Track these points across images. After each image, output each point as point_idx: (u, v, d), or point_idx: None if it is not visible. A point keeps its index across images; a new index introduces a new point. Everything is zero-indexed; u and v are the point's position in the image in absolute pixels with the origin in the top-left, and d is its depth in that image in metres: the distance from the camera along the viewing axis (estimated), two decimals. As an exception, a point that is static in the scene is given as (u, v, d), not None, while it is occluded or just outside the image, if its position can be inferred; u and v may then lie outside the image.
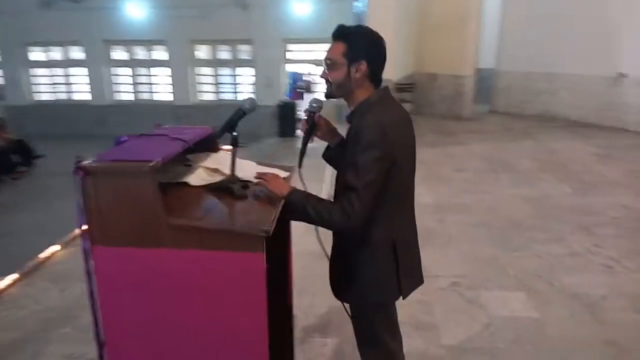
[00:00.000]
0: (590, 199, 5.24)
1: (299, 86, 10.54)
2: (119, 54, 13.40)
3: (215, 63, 13.41)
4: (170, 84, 13.35)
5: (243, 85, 13.41)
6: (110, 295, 1.59)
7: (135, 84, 13.54)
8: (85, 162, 1.48)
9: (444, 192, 5.55)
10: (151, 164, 1.47)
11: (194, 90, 13.45)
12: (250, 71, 13.08)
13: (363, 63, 1.69)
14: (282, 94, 12.47)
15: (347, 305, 1.91)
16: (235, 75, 13.42)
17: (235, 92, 13.47)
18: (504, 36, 10.92)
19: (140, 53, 13.48)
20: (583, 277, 3.62)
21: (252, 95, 11.73)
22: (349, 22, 9.78)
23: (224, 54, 13.38)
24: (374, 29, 1.78)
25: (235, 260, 1.53)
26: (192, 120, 12.75)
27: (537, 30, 9.70)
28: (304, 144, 1.91)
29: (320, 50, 14.49)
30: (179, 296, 1.58)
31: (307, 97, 11.94)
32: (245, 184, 1.81)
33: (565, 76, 9.42)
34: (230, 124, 1.76)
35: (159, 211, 1.50)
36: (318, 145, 2.02)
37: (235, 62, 13.34)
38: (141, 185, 1.49)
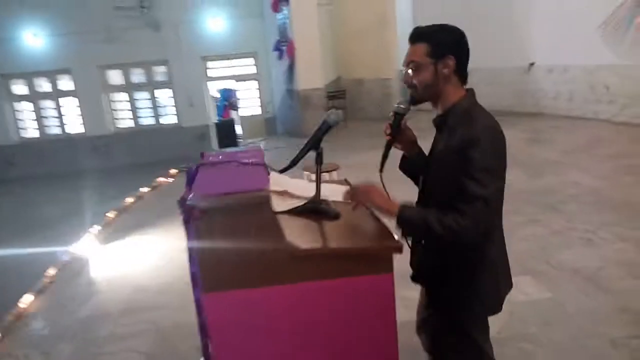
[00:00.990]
0: (545, 180, 5.62)
1: (231, 103, 10.24)
2: (20, 88, 12.17)
3: (130, 87, 12.65)
4: (80, 115, 12.37)
5: (164, 107, 12.79)
6: (225, 344, 1.38)
7: (40, 117, 12.35)
8: (193, 202, 1.27)
9: (406, 190, 5.65)
10: (266, 195, 1.30)
11: (111, 118, 12.58)
12: (170, 92, 12.53)
13: (451, 58, 1.61)
14: (207, 114, 12.10)
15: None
16: (153, 99, 12.75)
17: (156, 116, 12.82)
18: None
19: (44, 85, 12.34)
20: (573, 253, 3.85)
21: (235, 114, 11.18)
22: (270, 35, 9.80)
23: (139, 77, 12.66)
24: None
25: (364, 283, 1.39)
26: (113, 150, 11.94)
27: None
28: (387, 148, 1.80)
29: (241, 65, 14.33)
30: (304, 332, 1.40)
31: (234, 114, 11.69)
32: (327, 202, 1.67)
33: (484, 70, 10.01)
34: (316, 140, 1.60)
35: (280, 241, 1.32)
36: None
37: (152, 85, 12.68)
38: (262, 216, 1.31)
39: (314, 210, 1.60)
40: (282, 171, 1.58)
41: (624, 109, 8.04)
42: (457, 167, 1.53)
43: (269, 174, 1.68)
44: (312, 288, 1.37)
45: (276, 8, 10.40)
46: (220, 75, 13.99)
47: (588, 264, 3.64)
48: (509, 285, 1.79)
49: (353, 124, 10.54)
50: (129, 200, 6.62)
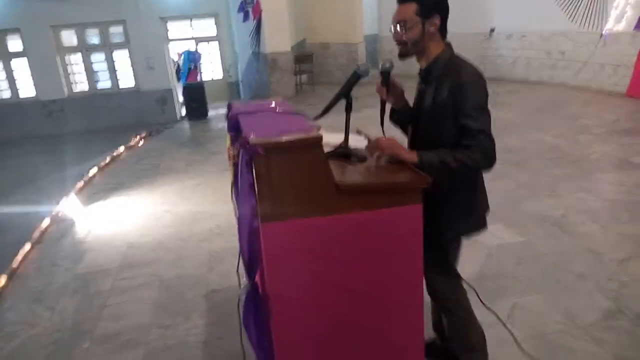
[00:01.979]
0: (508, 139, 5.99)
1: (197, 66, 10.04)
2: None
3: (85, 49, 12.10)
4: (32, 78, 11.76)
5: (122, 70, 12.35)
6: (277, 269, 1.56)
7: (-12, 80, 11.66)
8: (254, 140, 1.42)
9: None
10: (318, 135, 1.47)
11: (65, 81, 12.04)
12: (127, 54, 12.08)
13: (437, 17, 1.81)
14: (168, 77, 11.80)
15: None
16: (110, 61, 12.26)
17: (113, 79, 12.37)
18: (382, 2, 11.59)
19: (-8, 44, 11.60)
20: (539, 203, 4.23)
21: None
22: None
23: (95, 38, 12.11)
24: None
25: (398, 215, 1.60)
26: (68, 114, 11.49)
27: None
28: (382, 105, 2.00)
29: (202, 27, 13.95)
30: (343, 258, 1.60)
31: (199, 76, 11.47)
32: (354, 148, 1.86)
33: (448, 36, 10.39)
34: (347, 89, 1.77)
35: (329, 178, 1.50)
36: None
37: (109, 46, 12.18)
38: (312, 156, 1.47)
39: (345, 154, 1.78)
40: (315, 119, 1.74)
41: (577, 73, 8.56)
42: (451, 113, 1.75)
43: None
44: (354, 219, 1.57)
45: (241, -33, 10.18)
46: (181, 36, 13.62)
47: (553, 212, 4.02)
48: (487, 207, 2.06)
49: (320, 88, 10.65)
50: (106, 160, 6.56)
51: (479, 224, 2.00)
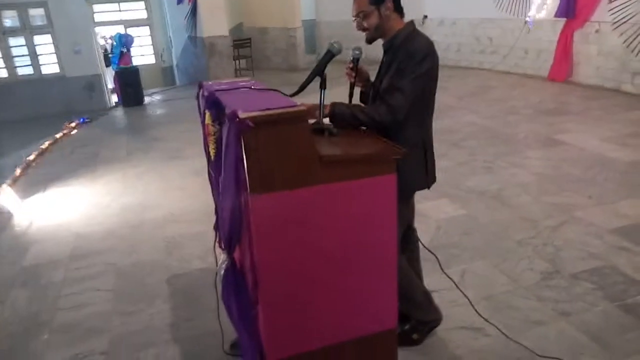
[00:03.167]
0: (445, 121, 6.33)
1: (129, 49, 9.60)
2: None
3: (3, 32, 11.19)
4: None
5: (45, 56, 11.55)
6: (266, 239, 1.62)
7: None
8: (243, 115, 1.46)
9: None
10: (304, 109, 1.54)
11: (-19, 68, 11.08)
12: (50, 39, 11.31)
13: (388, 1, 1.99)
14: (96, 62, 11.20)
15: None
16: (32, 46, 11.42)
17: (36, 65, 11.54)
18: (319, -12, 11.68)
19: None
20: (478, 179, 4.55)
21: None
22: None
23: (13, 21, 11.23)
24: None
25: (374, 184, 1.71)
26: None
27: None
28: (351, 87, 2.18)
29: (130, 10, 13.34)
30: (326, 226, 1.69)
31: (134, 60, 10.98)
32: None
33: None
34: (320, 67, 1.86)
35: (313, 151, 1.58)
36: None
37: (29, 30, 11.34)
38: (298, 129, 1.55)
39: (320, 129, 1.87)
40: (291, 95, 1.81)
41: (504, 58, 9.13)
42: (397, 73, 1.95)
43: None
44: (336, 188, 1.66)
45: (174, -52, 9.83)
46: (109, 19, 12.98)
47: (490, 186, 4.35)
48: (434, 175, 2.26)
49: (259, 73, 10.59)
50: (40, 149, 6.19)
51: (428, 181, 2.21)
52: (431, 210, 3.92)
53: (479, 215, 3.85)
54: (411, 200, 2.31)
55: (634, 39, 6.86)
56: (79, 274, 3.34)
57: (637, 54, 6.85)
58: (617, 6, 7.02)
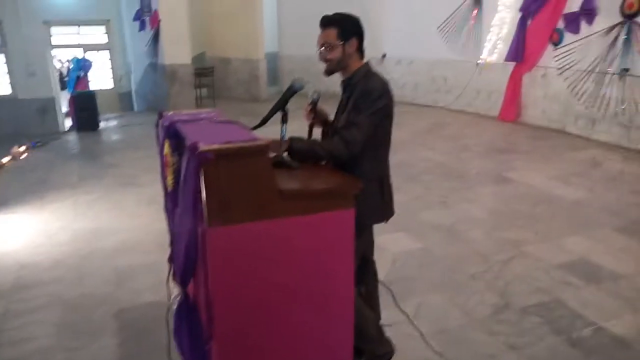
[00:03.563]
0: (402, 156, 6.49)
1: (87, 74, 9.41)
2: None
3: (-49, 50, 10.74)
4: None
5: (-4, 76, 11.14)
6: (222, 273, 1.61)
7: None
8: (204, 147, 1.47)
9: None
10: (265, 143, 1.56)
11: None
12: (3, 58, 10.94)
13: (354, 40, 2.12)
14: (51, 85, 10.89)
15: None
16: (-18, 65, 11.00)
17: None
18: (282, 23, 11.91)
19: None
20: (432, 213, 4.67)
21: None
22: (126, 2, 9.50)
23: (-38, 38, 10.80)
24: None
25: (333, 218, 1.74)
26: None
27: (309, 17, 10.92)
28: (310, 129, 2.26)
29: (90, 34, 13.15)
30: (283, 260, 1.70)
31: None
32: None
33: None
34: (282, 102, 1.90)
35: (273, 184, 1.60)
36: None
37: (-20, 49, 10.94)
38: (258, 163, 1.56)
39: (280, 163, 1.89)
40: (253, 128, 1.83)
41: (457, 98, 9.53)
42: (354, 111, 2.05)
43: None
44: (295, 222, 1.68)
45: (137, -24, 9.84)
46: (67, 43, 12.73)
47: (445, 221, 4.47)
48: (392, 209, 2.33)
49: (221, 103, 10.58)
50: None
51: (386, 215, 2.28)
52: (388, 243, 3.97)
53: (434, 248, 3.94)
54: (369, 233, 2.35)
55: (577, 84, 7.34)
56: (22, 307, 3.16)
57: (580, 99, 7.33)
58: (561, 54, 7.53)
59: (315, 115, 2.22)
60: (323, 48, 2.11)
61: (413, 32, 9.97)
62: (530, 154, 6.62)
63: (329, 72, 2.17)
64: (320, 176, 1.86)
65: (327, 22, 2.12)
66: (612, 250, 3.81)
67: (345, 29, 2.10)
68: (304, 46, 11.48)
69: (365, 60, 2.21)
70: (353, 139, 1.98)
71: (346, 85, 2.19)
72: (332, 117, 2.32)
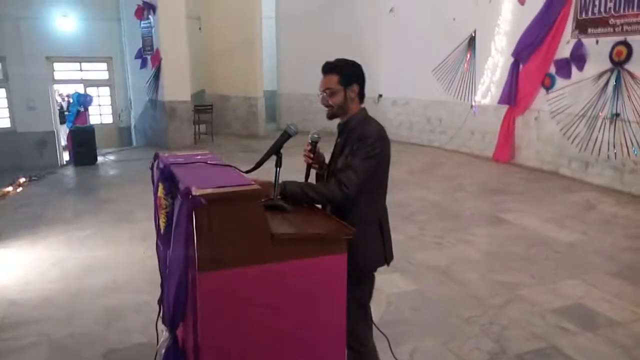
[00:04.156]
0: (397, 195, 6.53)
1: (87, 109, 9.52)
2: None
3: (-46, 84, 10.88)
4: None
5: (-2, 109, 11.24)
6: (212, 318, 1.59)
7: None
8: (196, 192, 1.49)
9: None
10: (258, 187, 1.58)
11: None
12: (4, 93, 11.08)
13: (355, 86, 2.17)
14: (51, 119, 11.00)
15: None
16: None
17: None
18: (281, 62, 12.19)
19: None
20: (428, 253, 4.65)
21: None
22: (129, 41, 9.72)
23: (-35, 73, 10.97)
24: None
25: (325, 263, 1.74)
26: None
27: (308, 56, 11.19)
28: (308, 169, 2.29)
29: (92, 70, 13.38)
30: (275, 305, 1.68)
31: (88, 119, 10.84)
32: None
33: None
34: (277, 146, 1.93)
35: (265, 229, 1.61)
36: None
37: (-17, 83, 11.09)
38: (251, 207, 1.58)
39: (273, 206, 1.91)
40: (247, 172, 1.86)
41: (452, 138, 9.67)
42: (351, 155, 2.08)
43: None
44: (287, 267, 1.68)
45: (140, 15, 10.11)
46: (69, 78, 12.93)
47: (440, 262, 4.45)
48: (392, 251, 2.32)
49: (219, 139, 10.70)
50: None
51: (387, 257, 2.28)
52: (382, 284, 3.92)
53: (428, 291, 3.90)
54: (372, 277, 2.33)
55: (569, 127, 7.48)
56: (8, 346, 3.09)
57: (572, 141, 7.44)
58: (553, 97, 7.70)
59: (314, 155, 2.24)
60: (325, 93, 2.15)
61: (408, 74, 10.21)
62: (525, 195, 6.66)
63: (331, 116, 2.22)
64: (313, 220, 1.87)
65: (329, 68, 2.16)
66: (608, 295, 3.78)
67: (346, 75, 2.15)
68: (302, 85, 11.79)
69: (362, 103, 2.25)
70: (348, 180, 2.01)
71: (342, 129, 2.23)
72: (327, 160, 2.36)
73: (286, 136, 2.01)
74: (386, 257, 2.28)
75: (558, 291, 3.86)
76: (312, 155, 2.23)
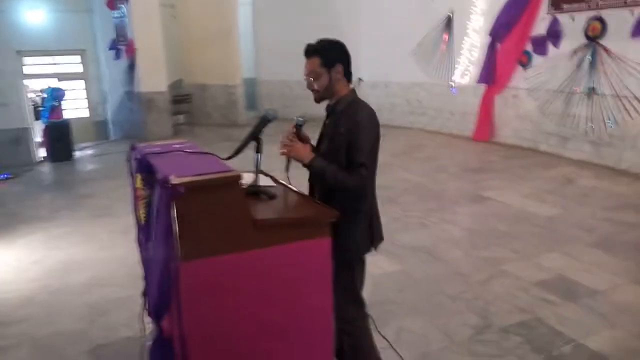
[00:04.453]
0: (381, 178, 6.44)
1: (59, 102, 9.25)
2: None
3: None
4: None
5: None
6: (195, 306, 1.57)
7: None
8: (175, 180, 1.45)
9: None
10: (238, 174, 1.55)
11: None
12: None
13: (339, 65, 2.13)
14: (24, 115, 10.71)
15: None
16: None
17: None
18: (259, 49, 12.03)
19: None
20: (411, 234, 4.68)
21: None
22: (101, 32, 9.52)
23: None
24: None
25: (309, 247, 1.73)
26: None
27: (287, 43, 11.06)
28: (289, 161, 2.18)
29: (65, 63, 13.06)
30: (260, 292, 1.67)
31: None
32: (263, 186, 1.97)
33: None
34: (256, 132, 1.90)
35: (247, 215, 1.58)
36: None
37: (-50, 79, 10.73)
38: (231, 194, 1.55)
39: (255, 192, 1.88)
40: (226, 159, 1.82)
41: (433, 120, 9.70)
42: (345, 144, 2.05)
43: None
44: (270, 253, 1.66)
45: (112, 5, 9.85)
46: (42, 72, 12.60)
47: (424, 242, 4.48)
48: (381, 235, 2.33)
49: (199, 129, 10.57)
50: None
51: (374, 242, 2.28)
52: (368, 266, 3.91)
53: (413, 270, 3.94)
54: (362, 264, 2.34)
55: (547, 104, 7.55)
56: (-11, 347, 3.03)
57: (550, 118, 7.52)
58: (531, 74, 7.76)
59: (299, 139, 2.17)
60: (309, 77, 2.12)
61: (388, 56, 10.18)
62: (505, 173, 6.73)
63: (318, 99, 2.18)
64: (296, 205, 1.85)
65: (310, 51, 2.12)
66: (588, 266, 3.87)
67: (328, 56, 2.10)
68: (281, 71, 11.67)
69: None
70: (364, 177, 2.02)
71: (331, 111, 2.20)
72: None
73: (265, 121, 1.97)
74: (373, 243, 2.28)
75: (540, 264, 3.93)
76: (295, 139, 2.13)
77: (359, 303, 2.31)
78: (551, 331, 3.00)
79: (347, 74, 2.17)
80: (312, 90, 2.14)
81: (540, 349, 2.83)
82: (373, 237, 2.25)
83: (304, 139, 2.22)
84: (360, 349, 2.29)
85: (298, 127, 2.16)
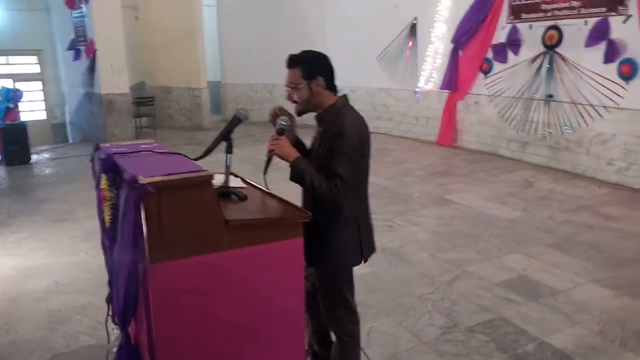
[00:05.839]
0: (348, 181, 6.57)
1: (15, 104, 8.89)
2: None
3: None
4: None
5: None
6: (165, 310, 1.53)
7: None
8: (144, 180, 1.42)
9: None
10: (210, 174, 1.53)
11: None
12: None
13: (320, 78, 2.08)
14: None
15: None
16: None
17: None
18: (224, 51, 11.91)
19: None
20: (379, 236, 4.61)
21: None
22: (60, 32, 9.33)
23: None
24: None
25: (281, 248, 1.72)
26: None
27: (253, 46, 11.01)
28: (269, 162, 2.13)
29: (21, 64, 12.57)
30: (232, 294, 1.64)
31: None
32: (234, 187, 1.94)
33: (283, 86, 11.06)
34: (227, 132, 1.87)
35: (219, 216, 1.56)
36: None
37: None
38: (202, 194, 1.52)
39: (225, 193, 1.85)
40: (196, 159, 1.79)
41: (398, 124, 9.85)
42: (328, 152, 2.02)
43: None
44: (242, 254, 1.64)
45: (72, 4, 9.55)
46: (-4, 72, 12.12)
47: (392, 244, 4.53)
48: (372, 247, 2.35)
49: (162, 132, 10.36)
50: None
51: (364, 255, 2.27)
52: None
53: (382, 272, 3.97)
54: (348, 274, 2.32)
55: (507, 110, 7.80)
56: (-62, 361, 2.86)
57: (510, 123, 7.77)
58: (491, 81, 8.00)
59: (282, 142, 2.09)
60: (289, 88, 2.08)
61: (353, 62, 10.20)
62: (468, 177, 6.90)
63: (299, 112, 2.13)
64: (268, 206, 1.84)
65: (291, 62, 2.08)
66: (548, 266, 4.00)
67: (310, 68, 2.06)
68: (246, 74, 11.59)
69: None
70: (336, 188, 1.95)
71: (318, 120, 2.16)
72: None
73: (236, 121, 1.94)
74: (363, 256, 2.26)
75: (503, 265, 4.04)
76: (273, 143, 2.06)
77: (349, 308, 2.31)
78: (515, 330, 3.08)
79: (331, 87, 2.13)
80: (292, 102, 2.10)
81: (506, 347, 2.90)
82: (362, 246, 2.22)
83: (290, 135, 2.17)
84: (348, 353, 2.29)
85: (280, 131, 2.07)
